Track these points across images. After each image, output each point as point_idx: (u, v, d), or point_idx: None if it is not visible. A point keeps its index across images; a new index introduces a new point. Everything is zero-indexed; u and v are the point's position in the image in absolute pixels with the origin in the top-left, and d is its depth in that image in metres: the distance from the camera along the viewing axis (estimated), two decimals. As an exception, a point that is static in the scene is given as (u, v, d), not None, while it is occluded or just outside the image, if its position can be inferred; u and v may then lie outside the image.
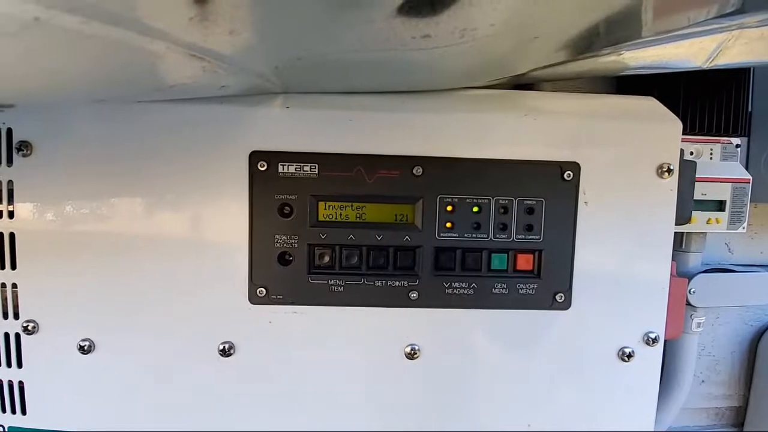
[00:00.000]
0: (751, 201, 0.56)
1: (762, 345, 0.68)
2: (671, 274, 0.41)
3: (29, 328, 0.36)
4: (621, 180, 0.38)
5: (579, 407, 0.40)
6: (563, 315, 0.39)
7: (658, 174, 0.38)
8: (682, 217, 0.40)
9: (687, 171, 0.41)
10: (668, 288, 0.39)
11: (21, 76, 0.19)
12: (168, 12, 0.15)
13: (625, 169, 0.38)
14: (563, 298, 0.39)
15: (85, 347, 0.37)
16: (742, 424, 0.71)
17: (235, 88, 0.31)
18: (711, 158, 0.58)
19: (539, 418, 0.40)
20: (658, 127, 0.38)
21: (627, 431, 0.40)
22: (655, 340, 0.39)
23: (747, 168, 0.59)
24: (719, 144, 0.58)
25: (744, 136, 0.58)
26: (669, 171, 0.37)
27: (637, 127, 0.38)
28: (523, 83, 0.46)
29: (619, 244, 0.38)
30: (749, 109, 0.58)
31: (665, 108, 0.39)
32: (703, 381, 0.69)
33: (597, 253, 0.38)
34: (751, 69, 0.57)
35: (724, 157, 0.59)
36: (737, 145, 0.58)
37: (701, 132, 0.56)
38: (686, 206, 0.40)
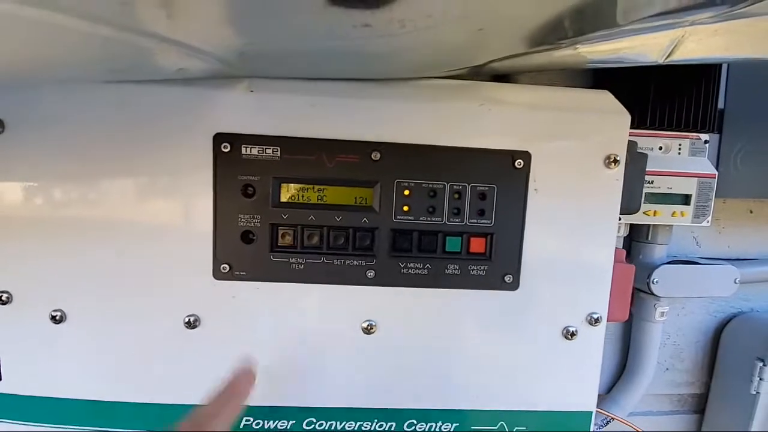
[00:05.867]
0: (719, 196, 0.57)
1: (725, 335, 0.69)
2: (619, 261, 0.43)
3: (3, 298, 0.38)
4: (569, 169, 0.39)
5: (525, 382, 0.42)
6: (511, 295, 0.41)
7: (605, 164, 0.39)
8: (630, 208, 0.42)
9: (637, 162, 0.42)
10: (611, 272, 0.40)
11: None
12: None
13: (574, 158, 0.39)
14: (512, 279, 0.40)
15: (57, 317, 0.38)
16: (704, 410, 0.73)
17: (195, 72, 0.32)
18: (679, 153, 0.58)
19: (486, 393, 0.42)
20: (608, 118, 0.39)
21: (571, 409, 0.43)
22: (597, 321, 0.41)
23: (717, 164, 0.60)
24: (688, 140, 0.59)
25: (714, 132, 0.59)
26: (615, 161, 0.39)
27: (587, 118, 0.39)
28: (498, 75, 0.47)
29: (566, 229, 0.40)
30: (720, 106, 0.59)
31: (617, 101, 0.40)
32: (667, 368, 0.71)
33: (544, 237, 0.40)
34: (721, 66, 0.57)
35: (693, 153, 0.59)
36: (706, 141, 0.59)
37: (670, 127, 0.56)
38: (634, 197, 0.42)
